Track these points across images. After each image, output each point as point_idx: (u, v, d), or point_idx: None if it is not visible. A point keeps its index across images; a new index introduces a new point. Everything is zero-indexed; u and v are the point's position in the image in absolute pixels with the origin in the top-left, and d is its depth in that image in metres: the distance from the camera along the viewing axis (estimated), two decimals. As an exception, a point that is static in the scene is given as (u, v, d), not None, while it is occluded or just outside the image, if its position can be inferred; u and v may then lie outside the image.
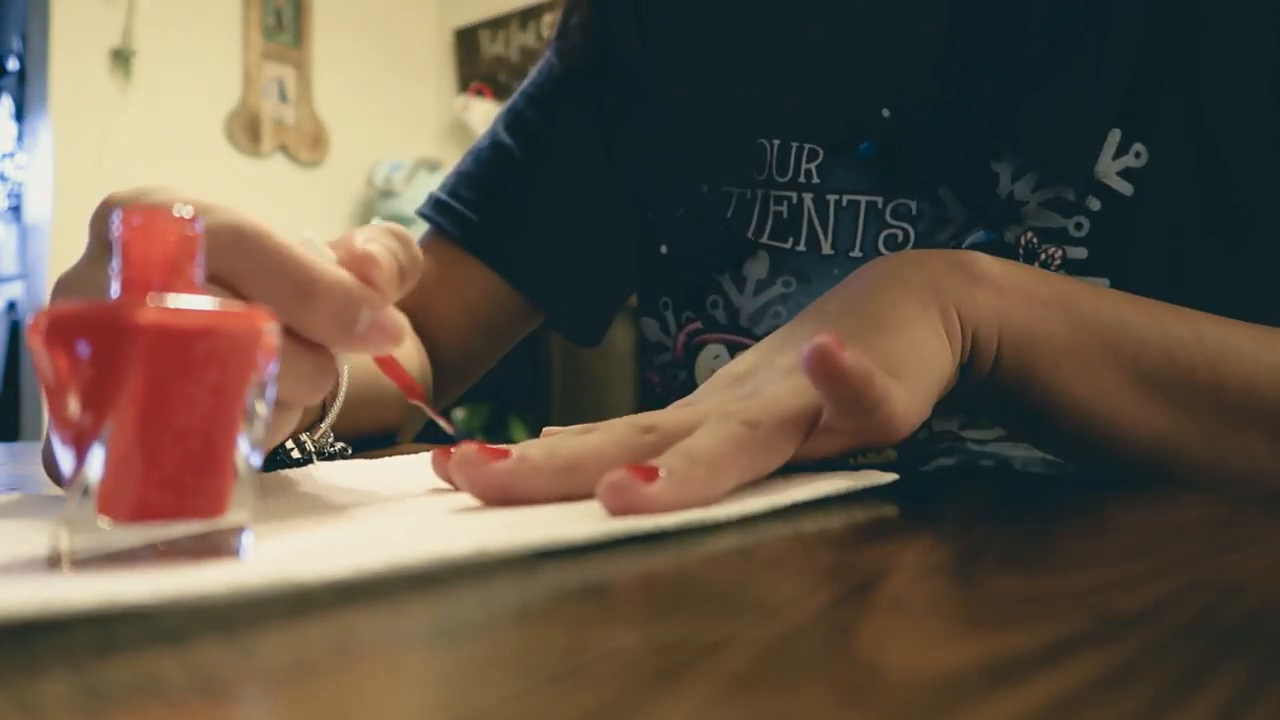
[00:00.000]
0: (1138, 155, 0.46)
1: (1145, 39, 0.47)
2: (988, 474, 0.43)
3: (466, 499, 0.26)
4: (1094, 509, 0.30)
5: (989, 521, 0.28)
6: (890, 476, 0.31)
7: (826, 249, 0.53)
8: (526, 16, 3.19)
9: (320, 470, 0.34)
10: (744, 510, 0.25)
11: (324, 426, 0.42)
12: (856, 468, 0.31)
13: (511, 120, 0.64)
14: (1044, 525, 0.26)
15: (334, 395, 0.43)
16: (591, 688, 0.12)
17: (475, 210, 0.62)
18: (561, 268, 0.63)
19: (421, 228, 0.63)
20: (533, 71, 0.65)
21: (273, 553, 0.18)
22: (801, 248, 0.53)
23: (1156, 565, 0.20)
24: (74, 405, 0.17)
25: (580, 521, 0.21)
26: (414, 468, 0.34)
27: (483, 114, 3.22)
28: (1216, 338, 0.37)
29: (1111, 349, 0.36)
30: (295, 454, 0.41)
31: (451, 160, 3.26)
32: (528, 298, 0.62)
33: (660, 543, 0.22)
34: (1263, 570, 0.20)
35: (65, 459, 0.17)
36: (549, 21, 3.14)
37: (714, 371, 0.58)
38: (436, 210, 0.63)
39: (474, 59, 3.31)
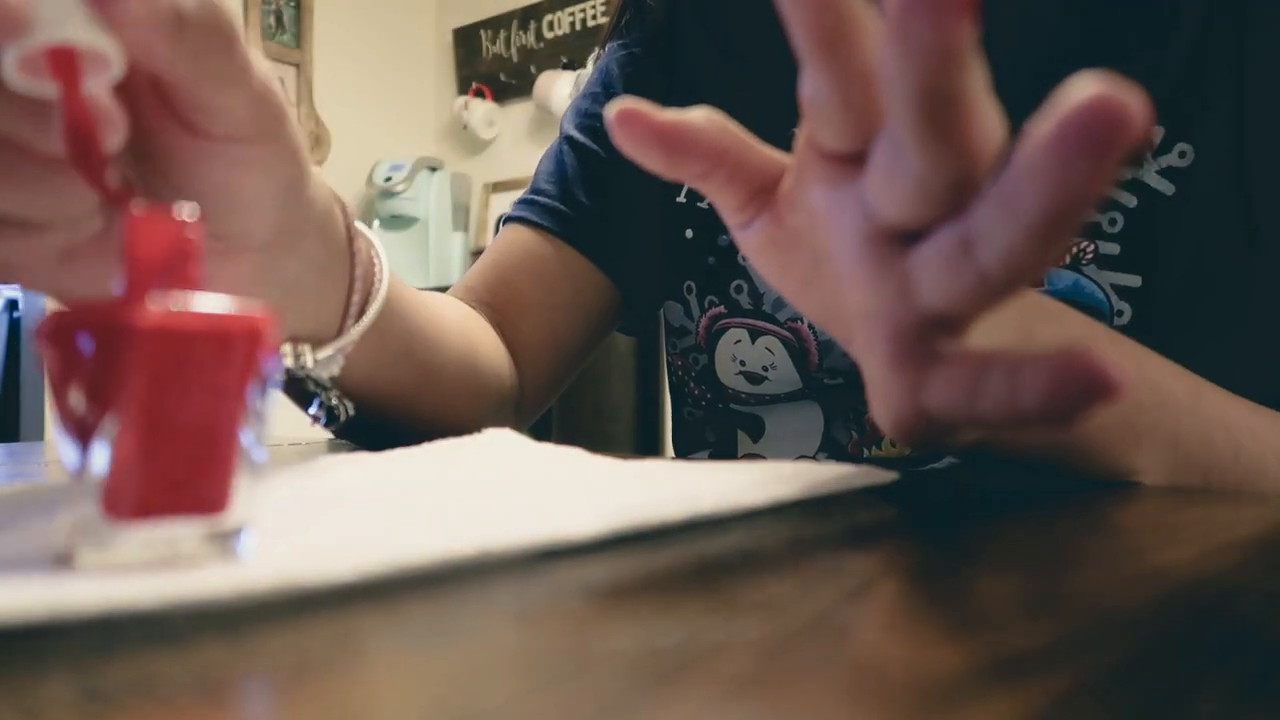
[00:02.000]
0: (1182, 155, 0.46)
1: (1200, 38, 0.47)
2: (987, 473, 0.43)
3: (468, 495, 0.26)
4: (1094, 509, 0.30)
5: (989, 521, 0.28)
6: (890, 475, 0.31)
7: None
8: (526, 16, 3.19)
9: (322, 464, 0.34)
10: (747, 503, 0.25)
11: (340, 344, 0.39)
12: (859, 464, 0.31)
13: (581, 120, 0.65)
14: (1044, 525, 0.26)
15: (359, 307, 0.40)
16: (591, 689, 0.12)
17: (558, 200, 0.63)
18: (635, 251, 0.63)
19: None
20: (591, 74, 0.66)
21: (274, 552, 0.18)
22: None
23: (1156, 565, 0.20)
24: (77, 406, 0.17)
25: (583, 519, 0.21)
26: (413, 461, 0.34)
27: (483, 114, 3.21)
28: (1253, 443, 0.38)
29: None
30: (287, 360, 0.37)
31: (451, 160, 3.26)
32: (597, 265, 0.63)
33: (661, 542, 0.22)
34: (1262, 570, 0.20)
35: (70, 459, 0.17)
36: (549, 21, 3.13)
37: (734, 357, 0.59)
38: (519, 207, 0.64)
39: (474, 59, 3.31)
